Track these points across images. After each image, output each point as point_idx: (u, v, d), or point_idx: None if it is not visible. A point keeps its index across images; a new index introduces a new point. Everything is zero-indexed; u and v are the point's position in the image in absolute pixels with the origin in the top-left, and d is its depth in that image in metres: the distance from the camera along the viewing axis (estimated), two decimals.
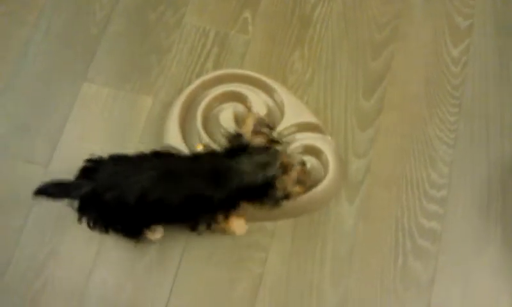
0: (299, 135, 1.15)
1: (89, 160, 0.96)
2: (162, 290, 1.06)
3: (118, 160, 0.97)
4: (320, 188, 1.10)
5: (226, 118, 1.16)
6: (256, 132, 0.98)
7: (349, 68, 1.26)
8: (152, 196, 0.93)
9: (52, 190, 0.95)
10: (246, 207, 0.99)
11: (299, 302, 1.06)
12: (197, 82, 1.19)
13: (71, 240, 1.09)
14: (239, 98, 1.19)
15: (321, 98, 1.23)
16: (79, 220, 0.97)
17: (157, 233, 1.07)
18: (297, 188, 0.99)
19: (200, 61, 1.27)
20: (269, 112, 1.17)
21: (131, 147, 1.10)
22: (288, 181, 0.95)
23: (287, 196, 0.97)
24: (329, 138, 1.17)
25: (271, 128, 1.02)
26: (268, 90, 1.20)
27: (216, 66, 1.25)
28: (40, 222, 1.10)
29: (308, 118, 1.16)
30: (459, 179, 1.15)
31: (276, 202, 0.97)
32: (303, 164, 1.02)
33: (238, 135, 0.98)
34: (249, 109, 1.14)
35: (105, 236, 1.05)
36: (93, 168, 0.95)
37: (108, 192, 0.92)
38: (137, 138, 1.18)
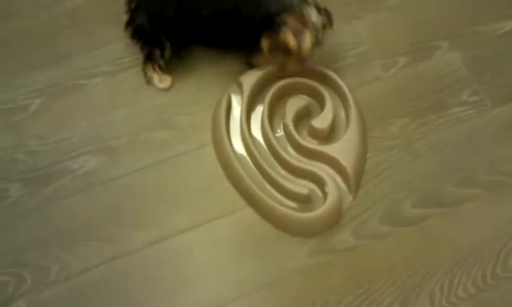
0: (325, 166, 1.14)
1: None
2: None
3: None
4: (299, 216, 1.09)
5: (295, 104, 1.18)
6: None
7: (428, 172, 1.16)
8: (187, 4, 1.08)
9: None
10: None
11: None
12: None
13: None
14: (317, 96, 1.19)
15: (380, 168, 1.16)
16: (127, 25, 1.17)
17: (165, 82, 1.22)
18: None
19: (341, 56, 1.30)
20: (332, 124, 1.16)
21: None
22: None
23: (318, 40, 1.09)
24: (351, 198, 1.13)
25: None
26: (348, 116, 1.18)
27: (340, 73, 1.22)
28: None
29: (349, 165, 1.11)
30: None
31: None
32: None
33: None
34: None
35: None
36: None
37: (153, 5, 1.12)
38: None
